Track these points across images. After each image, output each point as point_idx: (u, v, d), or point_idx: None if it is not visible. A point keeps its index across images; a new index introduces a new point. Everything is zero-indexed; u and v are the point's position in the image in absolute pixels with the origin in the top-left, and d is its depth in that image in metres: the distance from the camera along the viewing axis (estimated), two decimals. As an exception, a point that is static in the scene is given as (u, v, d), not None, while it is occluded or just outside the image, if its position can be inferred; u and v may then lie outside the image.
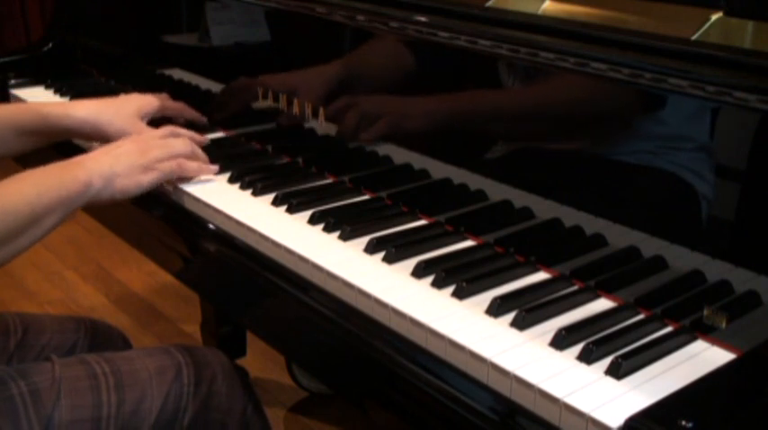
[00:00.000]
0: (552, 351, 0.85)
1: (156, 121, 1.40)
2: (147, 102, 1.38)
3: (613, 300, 0.95)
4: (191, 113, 1.46)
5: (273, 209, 1.18)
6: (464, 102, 1.13)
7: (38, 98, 1.69)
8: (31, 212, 1.03)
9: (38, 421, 1.00)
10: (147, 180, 1.17)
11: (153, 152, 1.19)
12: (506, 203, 1.09)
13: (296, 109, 1.33)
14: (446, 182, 1.17)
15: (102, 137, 1.32)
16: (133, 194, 1.17)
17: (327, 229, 1.10)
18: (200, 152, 1.27)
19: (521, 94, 1.08)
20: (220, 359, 1.17)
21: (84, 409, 1.03)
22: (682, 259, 0.92)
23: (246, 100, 1.44)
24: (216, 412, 1.12)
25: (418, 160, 1.21)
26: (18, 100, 1.71)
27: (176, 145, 1.24)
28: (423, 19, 1.11)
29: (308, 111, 1.31)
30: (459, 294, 0.94)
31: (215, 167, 1.27)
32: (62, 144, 1.41)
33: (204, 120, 1.49)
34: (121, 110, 1.34)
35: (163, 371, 1.10)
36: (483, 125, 1.13)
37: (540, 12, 1.03)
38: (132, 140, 1.21)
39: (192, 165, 1.24)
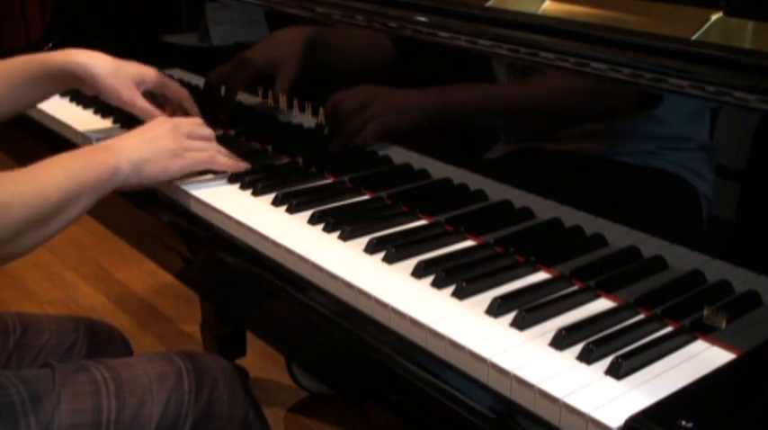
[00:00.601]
0: (552, 351, 0.85)
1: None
2: (148, 72, 1.38)
3: (613, 300, 0.95)
4: (191, 104, 1.42)
5: (273, 209, 1.18)
6: (468, 97, 1.13)
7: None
8: (61, 197, 1.02)
9: (37, 426, 1.00)
10: (175, 167, 1.17)
11: (185, 140, 1.19)
12: (506, 203, 1.09)
13: (296, 109, 1.33)
14: (446, 182, 1.17)
15: (94, 87, 1.32)
16: (161, 180, 1.18)
17: (327, 229, 1.10)
18: (223, 149, 1.26)
19: (519, 90, 1.08)
20: (221, 365, 1.17)
21: (84, 414, 1.03)
22: (682, 259, 0.92)
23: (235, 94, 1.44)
24: (217, 420, 1.12)
25: (418, 160, 1.20)
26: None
27: (209, 136, 1.24)
28: (423, 19, 1.11)
29: (309, 110, 1.31)
30: (460, 294, 0.94)
31: (245, 164, 1.26)
32: (51, 139, 1.40)
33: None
34: (120, 69, 1.34)
35: (163, 377, 1.09)
36: (477, 122, 1.13)
37: (540, 12, 1.03)
38: (164, 124, 1.21)
39: (223, 160, 1.23)
